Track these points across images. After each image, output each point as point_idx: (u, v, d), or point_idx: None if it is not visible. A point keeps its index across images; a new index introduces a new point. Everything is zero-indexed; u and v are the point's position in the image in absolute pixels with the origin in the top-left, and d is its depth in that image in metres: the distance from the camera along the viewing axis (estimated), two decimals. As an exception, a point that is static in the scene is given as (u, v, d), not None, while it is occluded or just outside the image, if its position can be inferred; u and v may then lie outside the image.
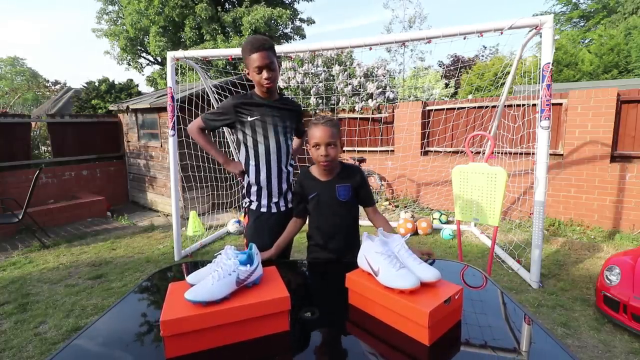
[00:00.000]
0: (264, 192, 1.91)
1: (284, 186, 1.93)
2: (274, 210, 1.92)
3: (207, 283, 0.95)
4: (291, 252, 2.12)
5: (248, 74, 1.86)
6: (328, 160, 1.54)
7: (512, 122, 4.42)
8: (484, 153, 4.52)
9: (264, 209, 1.91)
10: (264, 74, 1.77)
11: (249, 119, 1.83)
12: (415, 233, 4.55)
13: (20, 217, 4.28)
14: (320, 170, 1.64)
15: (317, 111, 6.51)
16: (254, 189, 1.92)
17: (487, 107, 4.96)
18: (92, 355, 0.93)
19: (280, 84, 6.58)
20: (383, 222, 1.65)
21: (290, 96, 6.24)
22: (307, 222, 1.77)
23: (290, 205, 1.95)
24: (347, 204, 1.64)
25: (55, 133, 6.19)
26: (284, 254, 1.98)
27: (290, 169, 1.99)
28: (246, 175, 1.93)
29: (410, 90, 9.12)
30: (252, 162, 1.88)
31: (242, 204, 1.92)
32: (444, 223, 4.82)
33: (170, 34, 13.41)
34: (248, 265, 1.02)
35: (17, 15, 77.31)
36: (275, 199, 1.91)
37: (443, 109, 5.40)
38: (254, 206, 1.93)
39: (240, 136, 1.88)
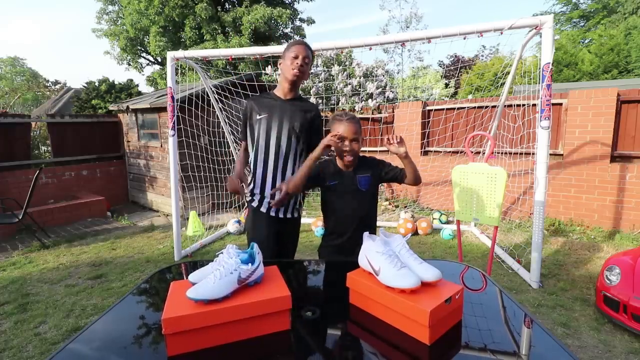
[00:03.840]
0: (257, 190, 1.92)
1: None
2: (263, 209, 1.90)
3: (209, 281, 0.95)
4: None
5: (280, 64, 1.88)
6: (352, 155, 1.63)
7: (512, 122, 4.43)
8: (484, 153, 4.52)
9: (254, 203, 1.92)
10: (298, 60, 1.78)
11: (258, 117, 1.87)
12: (415, 233, 4.56)
13: (20, 217, 4.28)
14: (342, 164, 1.71)
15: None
16: (253, 185, 1.94)
17: (487, 107, 4.96)
18: (93, 356, 0.93)
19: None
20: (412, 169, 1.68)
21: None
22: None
23: (290, 214, 1.94)
24: (367, 193, 1.71)
25: (55, 133, 6.19)
26: (287, 253, 1.98)
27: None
28: (251, 171, 1.96)
29: (410, 90, 9.13)
30: (254, 159, 1.91)
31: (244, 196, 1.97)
32: (444, 223, 4.82)
33: (170, 34, 13.42)
34: (249, 264, 1.02)
35: (17, 15, 77.35)
36: (267, 199, 1.89)
37: (443, 109, 5.40)
38: (251, 201, 1.95)
39: (250, 133, 1.92)
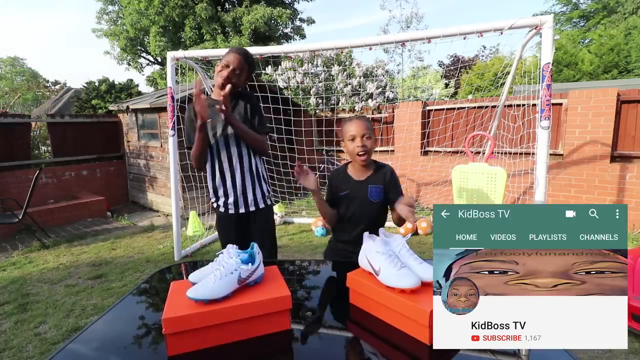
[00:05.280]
0: (220, 192, 1.94)
1: (239, 186, 1.90)
2: (231, 210, 1.93)
3: (209, 281, 0.95)
4: (291, 252, 2.12)
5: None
6: (365, 150, 1.57)
7: (512, 122, 4.42)
8: (484, 153, 4.52)
9: (221, 209, 1.95)
10: (225, 72, 1.75)
11: (199, 123, 1.79)
12: (415, 233, 4.56)
13: (20, 217, 4.28)
14: (357, 167, 1.66)
15: (318, 111, 6.52)
16: (212, 188, 1.97)
17: (487, 107, 4.96)
18: (93, 356, 0.93)
19: (280, 83, 6.58)
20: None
21: (289, 96, 6.24)
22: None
23: (250, 208, 1.94)
24: (377, 204, 1.66)
25: (55, 133, 6.19)
26: (271, 253, 1.99)
27: (253, 166, 1.93)
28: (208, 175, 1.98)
29: (410, 90, 9.13)
30: (210, 164, 1.93)
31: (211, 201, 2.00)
32: (444, 223, 4.81)
33: (170, 34, 13.42)
34: (250, 264, 1.02)
35: (17, 15, 77.29)
36: (231, 199, 1.92)
37: (443, 109, 5.39)
38: (214, 204, 2.00)
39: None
